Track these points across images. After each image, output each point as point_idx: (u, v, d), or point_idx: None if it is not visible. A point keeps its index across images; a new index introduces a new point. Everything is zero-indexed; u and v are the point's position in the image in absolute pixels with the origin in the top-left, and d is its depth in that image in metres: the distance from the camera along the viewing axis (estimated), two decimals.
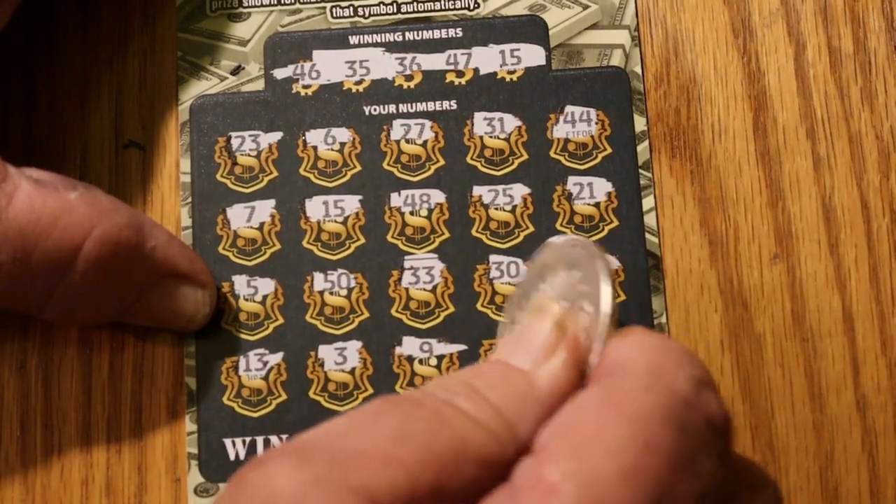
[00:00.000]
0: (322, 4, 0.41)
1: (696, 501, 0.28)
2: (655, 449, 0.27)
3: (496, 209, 0.39)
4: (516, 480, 0.27)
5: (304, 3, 0.41)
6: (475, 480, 0.27)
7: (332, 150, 0.40)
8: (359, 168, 0.40)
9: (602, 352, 0.30)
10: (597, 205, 0.39)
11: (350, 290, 0.39)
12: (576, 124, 0.40)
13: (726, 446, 0.29)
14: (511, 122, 0.40)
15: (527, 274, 0.34)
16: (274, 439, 0.38)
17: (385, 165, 0.40)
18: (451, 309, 0.39)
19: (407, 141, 0.40)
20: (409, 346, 0.39)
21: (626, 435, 0.27)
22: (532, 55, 0.41)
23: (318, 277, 0.39)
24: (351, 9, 0.41)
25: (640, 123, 0.40)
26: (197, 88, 0.41)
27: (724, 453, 0.29)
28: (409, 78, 0.41)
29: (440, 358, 0.38)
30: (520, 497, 0.27)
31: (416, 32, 0.41)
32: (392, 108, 0.40)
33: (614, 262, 0.39)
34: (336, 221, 0.40)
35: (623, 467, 0.27)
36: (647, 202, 0.39)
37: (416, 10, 0.41)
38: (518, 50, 0.41)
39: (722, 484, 0.29)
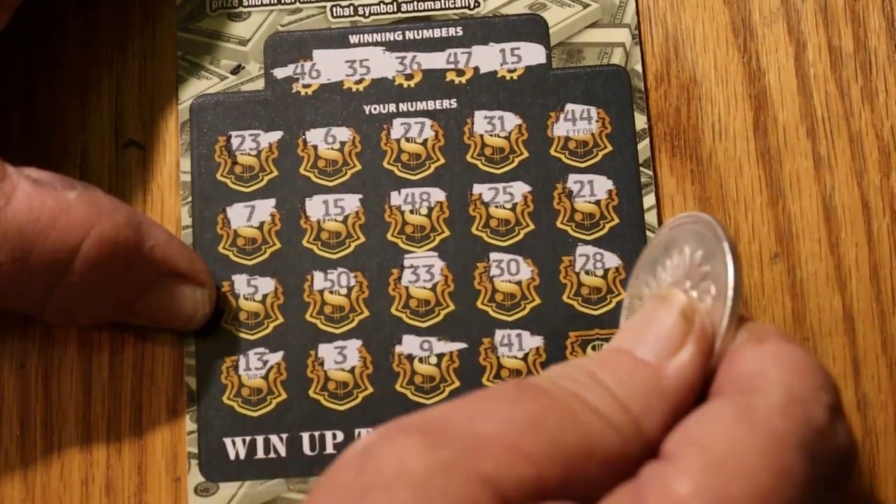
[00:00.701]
0: (322, 4, 0.41)
1: None
2: (789, 475, 0.26)
3: (496, 207, 0.39)
4: (643, 486, 0.27)
5: (304, 2, 0.41)
6: (599, 477, 0.27)
7: (333, 149, 0.40)
8: (359, 167, 0.40)
9: (726, 340, 0.29)
10: (597, 203, 0.39)
11: (350, 288, 0.39)
12: (576, 122, 0.40)
13: (849, 480, 0.29)
14: (511, 121, 0.40)
15: (651, 249, 0.33)
16: (274, 439, 0.38)
17: (385, 164, 0.40)
18: (452, 307, 0.39)
19: (407, 140, 0.40)
20: (409, 344, 0.39)
21: (760, 457, 0.26)
22: (532, 54, 0.41)
23: (318, 276, 0.39)
24: (351, 8, 0.41)
25: (640, 122, 0.40)
26: (197, 88, 0.41)
27: (845, 488, 0.28)
28: (409, 77, 0.41)
29: (440, 356, 0.38)
30: (645, 503, 0.26)
31: (416, 31, 0.41)
32: (392, 107, 0.40)
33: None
34: (336, 220, 0.40)
35: (756, 490, 0.26)
36: (648, 200, 0.39)
37: (416, 9, 0.41)
38: (518, 48, 0.41)
39: None
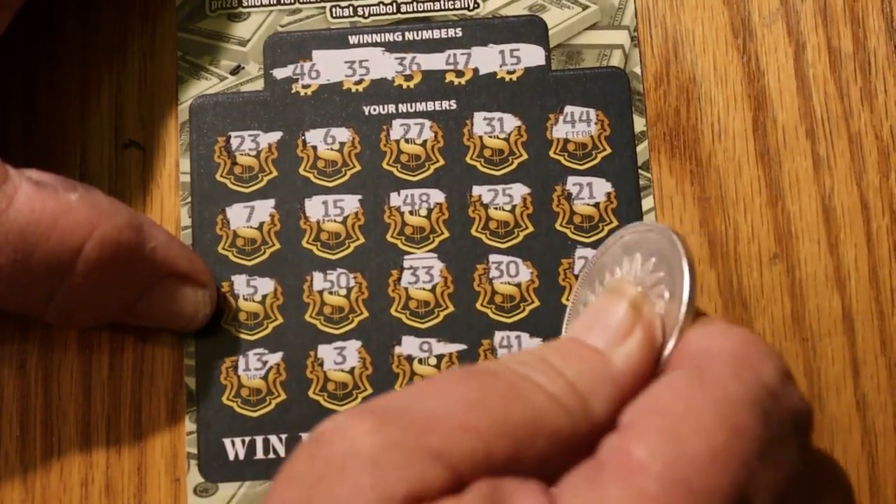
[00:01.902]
0: (322, 4, 0.41)
1: (774, 493, 0.28)
2: (744, 433, 0.27)
3: (496, 209, 0.39)
4: (601, 455, 0.27)
5: (303, 2, 0.41)
6: (549, 454, 0.28)
7: (332, 149, 0.40)
8: (358, 168, 0.40)
9: (679, 340, 0.30)
10: (596, 205, 0.39)
11: (349, 289, 0.39)
12: (575, 124, 0.40)
13: (807, 441, 0.29)
14: (510, 122, 0.40)
15: (599, 258, 0.34)
16: (273, 439, 0.38)
17: (384, 165, 0.40)
18: (451, 308, 0.39)
19: (406, 141, 0.40)
20: (409, 345, 0.39)
21: (715, 417, 0.27)
22: (532, 55, 0.41)
23: (318, 277, 0.39)
24: (350, 9, 0.41)
25: (639, 124, 0.40)
26: (197, 88, 0.41)
27: (804, 448, 0.29)
28: (408, 78, 0.41)
29: (440, 357, 0.38)
30: (605, 472, 0.27)
31: (415, 32, 0.41)
32: (392, 108, 0.40)
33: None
34: (335, 221, 0.40)
35: (712, 448, 0.27)
36: (647, 202, 0.39)
37: (415, 9, 0.41)
38: (518, 50, 0.41)
39: (800, 480, 0.29)
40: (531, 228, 0.39)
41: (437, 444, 0.27)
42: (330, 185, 0.40)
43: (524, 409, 0.28)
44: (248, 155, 0.40)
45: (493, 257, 0.39)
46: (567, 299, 0.39)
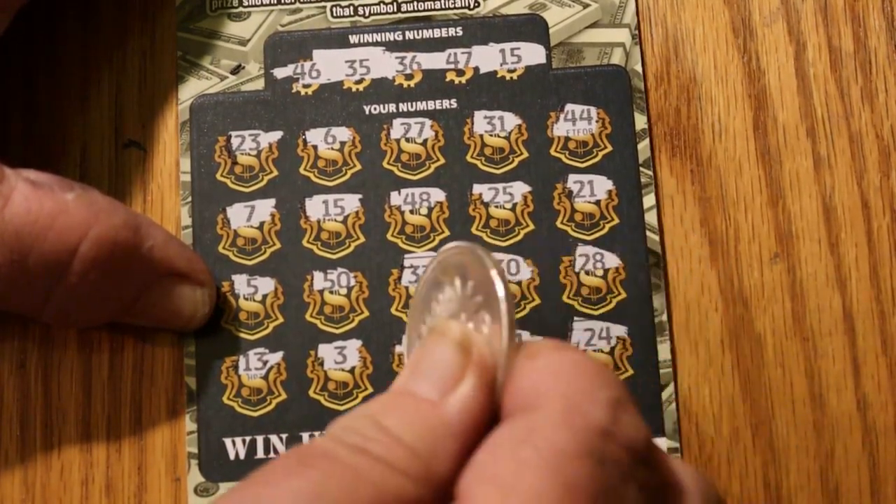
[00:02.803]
0: (322, 4, 0.41)
1: None
2: (575, 489, 0.26)
3: (496, 207, 0.39)
4: None
5: (304, 2, 0.41)
6: None
7: (333, 149, 0.40)
8: (359, 167, 0.40)
9: (508, 367, 0.29)
10: (597, 203, 0.39)
11: (350, 288, 0.39)
12: (576, 122, 0.40)
13: (651, 467, 0.28)
14: (511, 121, 0.40)
15: (422, 286, 0.32)
16: (274, 439, 0.38)
17: (385, 164, 0.40)
18: None
19: (407, 140, 0.40)
20: None
21: (545, 478, 0.26)
22: (532, 54, 0.41)
23: (318, 276, 0.39)
24: (351, 8, 0.41)
25: (640, 122, 0.40)
26: (197, 88, 0.41)
27: (649, 475, 0.28)
28: (409, 77, 0.41)
29: None
30: None
31: (416, 31, 0.41)
32: (392, 107, 0.40)
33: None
34: (336, 220, 0.40)
35: None
36: (648, 200, 0.39)
37: (416, 9, 0.41)
38: (518, 48, 0.41)
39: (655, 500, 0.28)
40: (532, 226, 0.39)
41: None
42: (330, 184, 0.40)
43: (366, 492, 0.27)
44: (249, 154, 0.40)
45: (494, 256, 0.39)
46: (568, 297, 0.39)
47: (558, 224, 0.39)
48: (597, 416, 0.28)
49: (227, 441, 0.38)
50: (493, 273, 0.29)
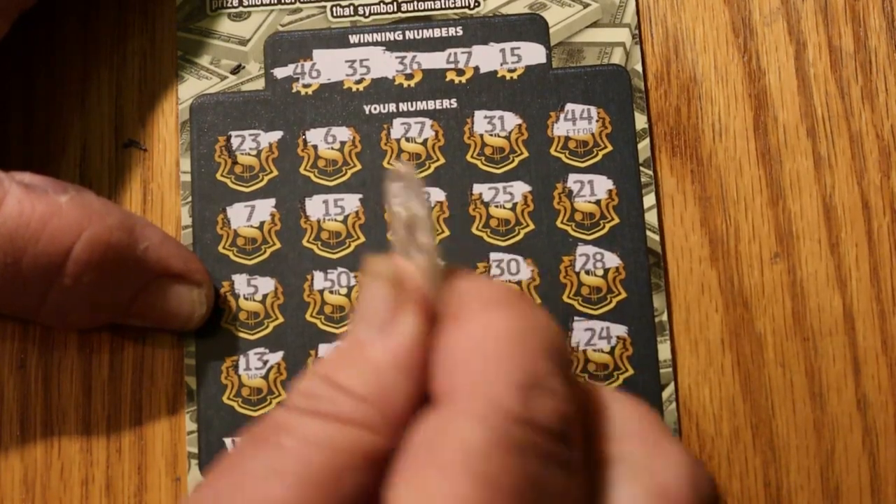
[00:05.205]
0: (322, 4, 0.41)
1: None
2: (497, 488, 0.26)
3: (496, 207, 0.39)
4: None
5: (304, 2, 0.41)
6: (365, 476, 0.27)
7: (333, 148, 0.40)
8: (359, 167, 0.40)
9: (439, 286, 0.29)
10: (598, 202, 0.39)
11: (350, 288, 0.39)
12: (576, 122, 0.40)
13: (569, 450, 0.28)
14: (511, 121, 0.40)
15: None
16: None
17: (385, 164, 0.40)
18: None
19: (407, 139, 0.40)
20: None
21: (465, 483, 0.26)
22: (532, 53, 0.41)
23: (318, 276, 0.39)
24: (351, 8, 0.41)
25: (640, 121, 0.40)
26: (197, 87, 0.41)
27: (570, 462, 0.28)
28: (409, 77, 0.41)
29: None
30: None
31: (416, 31, 0.41)
32: (392, 107, 0.40)
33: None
34: (336, 220, 0.40)
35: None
36: (648, 200, 0.39)
37: (416, 8, 0.41)
38: (518, 48, 0.41)
39: (585, 474, 0.28)
40: (532, 226, 0.39)
41: None
42: (330, 184, 0.40)
43: (322, 455, 0.27)
44: (249, 154, 0.40)
45: (493, 255, 0.39)
46: (568, 297, 0.39)
47: (558, 224, 0.39)
48: (508, 403, 0.27)
49: (228, 441, 0.38)
50: (400, 189, 0.30)
